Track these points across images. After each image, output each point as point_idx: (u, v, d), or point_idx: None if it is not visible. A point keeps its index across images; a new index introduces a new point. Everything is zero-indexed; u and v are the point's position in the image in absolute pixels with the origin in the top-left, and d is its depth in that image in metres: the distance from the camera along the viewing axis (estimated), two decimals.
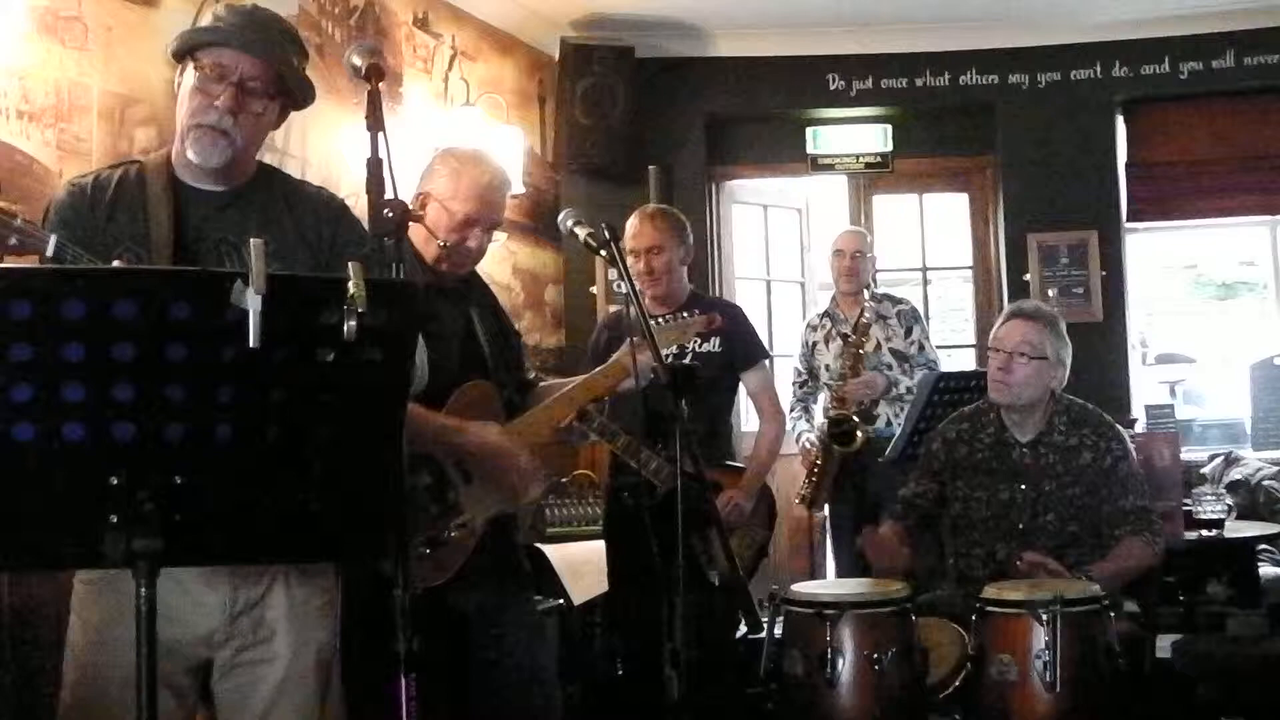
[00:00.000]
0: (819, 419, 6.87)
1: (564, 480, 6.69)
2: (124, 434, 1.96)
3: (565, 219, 3.92)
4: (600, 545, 5.51)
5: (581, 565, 5.97)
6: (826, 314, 6.92)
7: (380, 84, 2.65)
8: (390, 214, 2.46)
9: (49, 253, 2.68)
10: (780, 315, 8.73)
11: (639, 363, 3.78)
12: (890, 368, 6.62)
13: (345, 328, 1.85)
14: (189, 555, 2.11)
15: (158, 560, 2.00)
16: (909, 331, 6.71)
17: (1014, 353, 4.61)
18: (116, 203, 2.93)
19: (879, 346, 6.64)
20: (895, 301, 6.89)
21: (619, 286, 7.44)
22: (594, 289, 7.95)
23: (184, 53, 2.98)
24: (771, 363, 7.71)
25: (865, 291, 6.73)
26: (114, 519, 2.00)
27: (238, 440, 2.00)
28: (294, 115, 5.08)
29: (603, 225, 3.76)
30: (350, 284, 1.83)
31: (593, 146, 7.75)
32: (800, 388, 6.97)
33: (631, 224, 5.39)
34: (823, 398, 6.87)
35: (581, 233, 3.83)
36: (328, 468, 2.07)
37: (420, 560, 3.52)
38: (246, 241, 2.90)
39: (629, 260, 5.27)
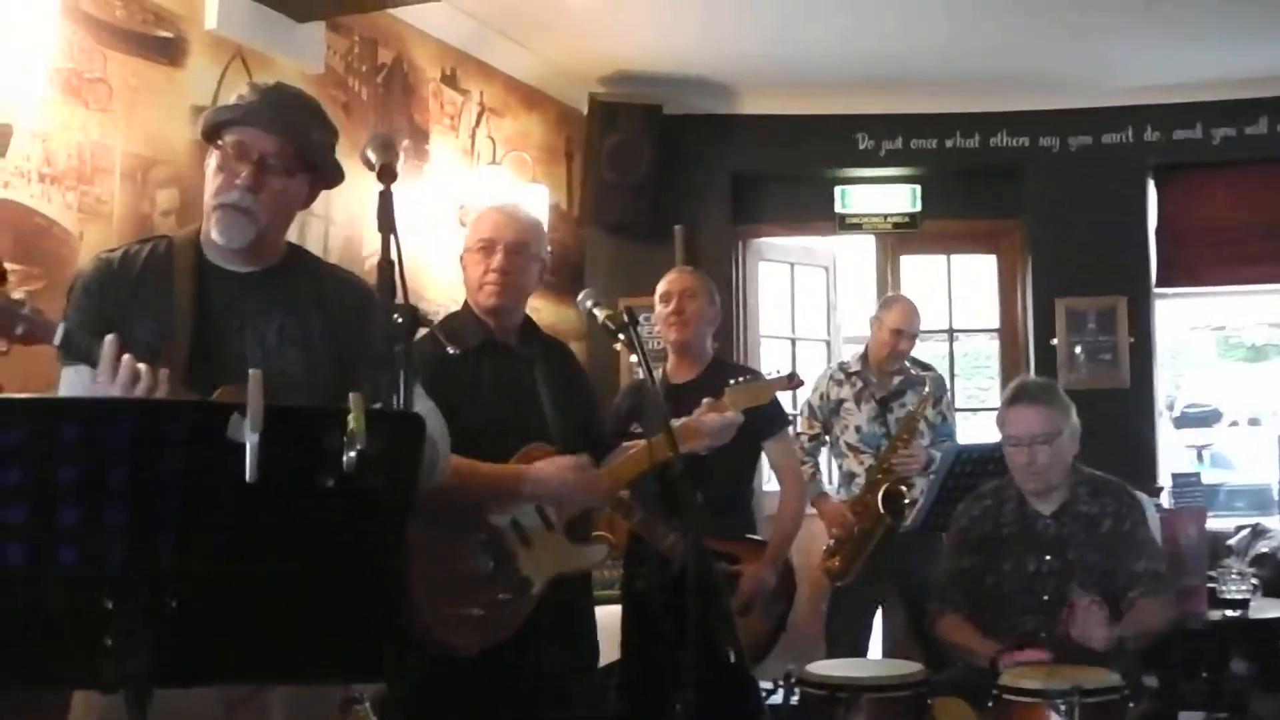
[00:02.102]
0: (826, 469, 6.78)
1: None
2: (118, 558, 1.92)
3: (585, 299, 3.93)
4: (614, 609, 5.45)
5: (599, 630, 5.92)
6: (858, 373, 6.75)
7: (392, 185, 2.61)
8: (400, 319, 2.42)
9: (56, 341, 2.65)
10: (806, 374, 8.62)
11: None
12: (923, 436, 6.51)
13: (345, 459, 1.81)
14: (185, 678, 2.06)
15: (150, 685, 1.96)
16: (936, 401, 6.58)
17: (1033, 444, 4.58)
18: (142, 279, 2.91)
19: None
20: (925, 368, 6.78)
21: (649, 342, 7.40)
22: (618, 345, 7.87)
23: (210, 133, 2.99)
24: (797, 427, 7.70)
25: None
26: (108, 642, 1.95)
27: (234, 565, 1.96)
28: None
29: (623, 309, 3.76)
30: (350, 417, 1.79)
31: (619, 203, 7.74)
32: (810, 440, 6.82)
33: (667, 276, 5.42)
34: (838, 458, 6.74)
35: (600, 314, 3.83)
36: (326, 591, 2.03)
37: (473, 622, 3.55)
38: (270, 325, 2.91)
39: (659, 309, 5.33)
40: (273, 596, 2.03)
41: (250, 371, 1.79)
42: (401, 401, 2.32)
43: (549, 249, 4.12)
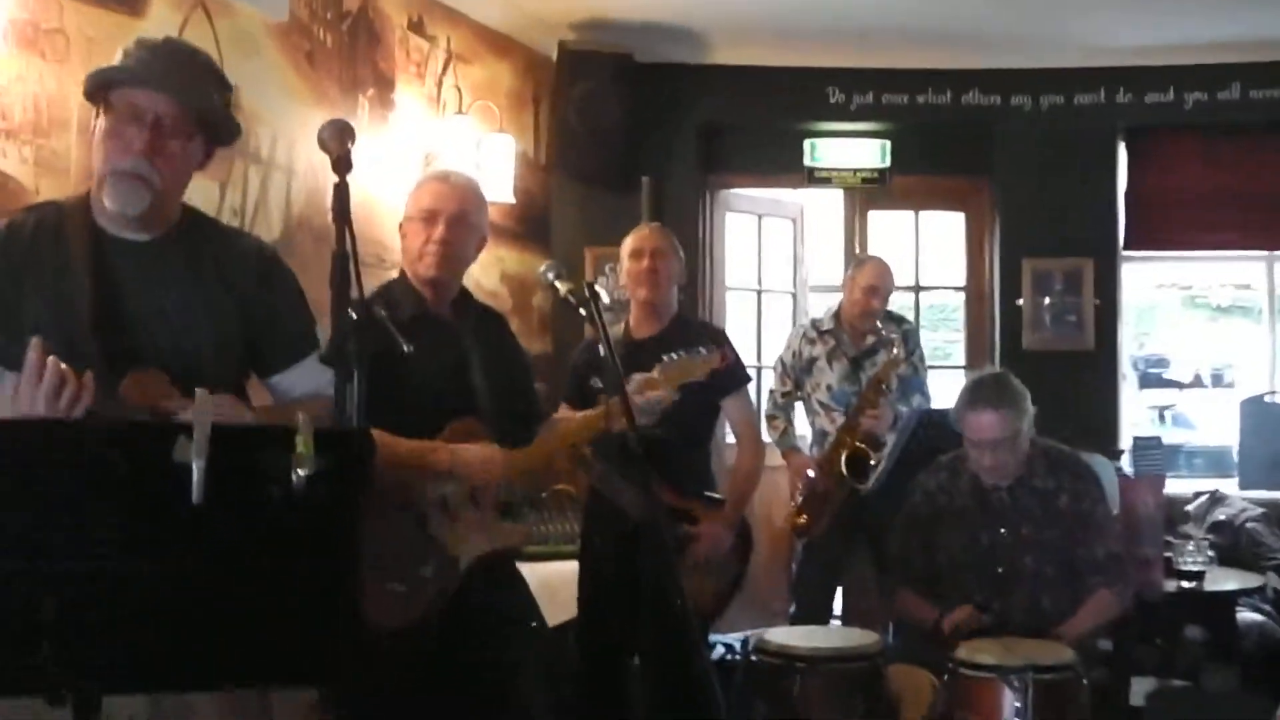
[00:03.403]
0: (801, 428, 6.76)
1: (543, 495, 6.58)
2: (61, 567, 1.88)
3: (546, 271, 3.88)
4: (573, 565, 5.44)
5: (558, 586, 5.89)
6: (830, 332, 6.67)
7: (347, 176, 2.53)
8: (354, 314, 2.37)
9: None
10: (771, 325, 8.63)
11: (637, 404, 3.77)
12: (891, 391, 6.44)
13: (293, 478, 1.78)
14: (129, 685, 2.03)
15: (97, 693, 1.93)
16: (909, 354, 6.50)
17: (994, 448, 4.59)
18: (33, 251, 2.79)
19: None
20: (899, 321, 6.73)
21: (610, 293, 7.37)
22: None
23: (96, 93, 2.85)
24: (760, 379, 7.69)
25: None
26: (47, 649, 1.91)
27: (180, 576, 1.93)
28: (279, 125, 5.03)
29: (585, 283, 3.72)
30: (298, 439, 1.76)
31: (586, 152, 7.65)
32: (783, 396, 6.78)
33: (635, 233, 5.43)
34: (810, 415, 6.71)
35: (562, 288, 3.78)
36: (274, 601, 2.00)
37: (395, 597, 3.48)
38: (171, 294, 2.80)
39: (629, 264, 5.32)
40: (219, 605, 1.99)
41: (197, 392, 1.76)
42: (355, 400, 2.28)
43: (489, 221, 4.03)
